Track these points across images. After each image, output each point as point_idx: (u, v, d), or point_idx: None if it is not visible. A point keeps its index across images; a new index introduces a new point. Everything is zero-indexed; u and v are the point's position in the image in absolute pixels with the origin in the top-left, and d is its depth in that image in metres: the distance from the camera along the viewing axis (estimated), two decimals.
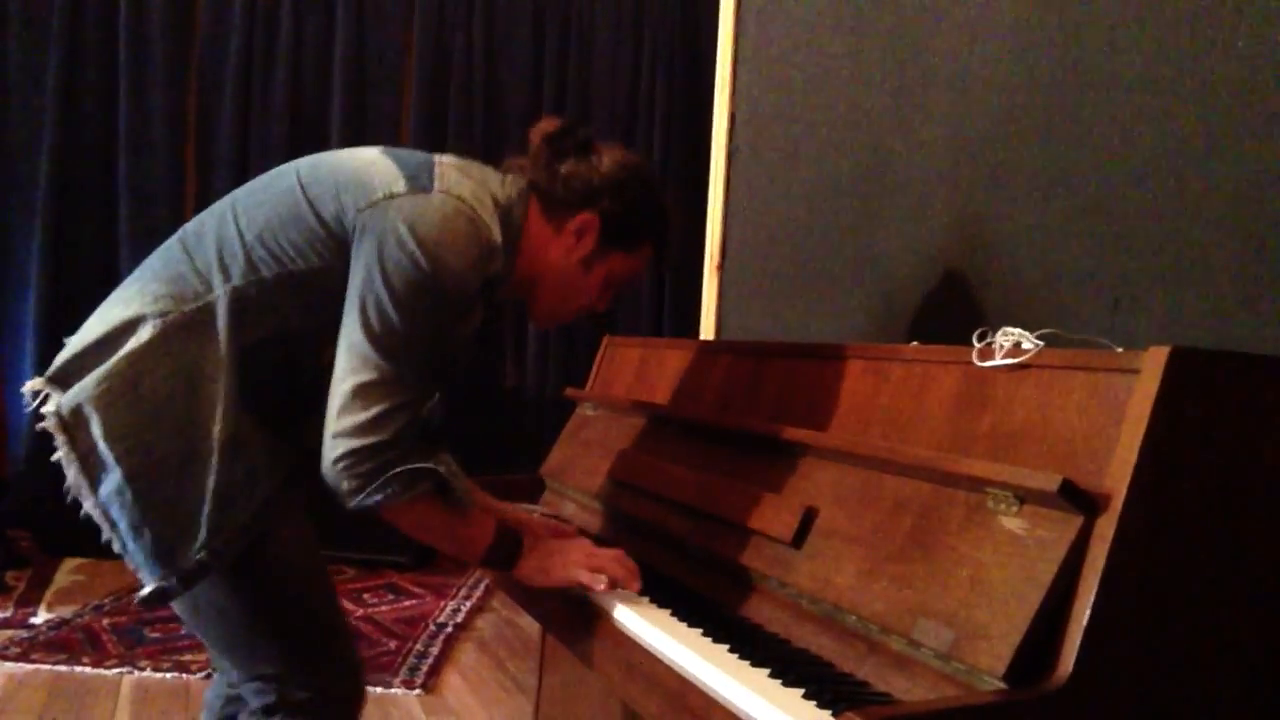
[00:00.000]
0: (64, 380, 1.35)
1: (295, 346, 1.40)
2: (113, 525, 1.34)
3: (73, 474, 1.34)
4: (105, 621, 3.34)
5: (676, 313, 5.02)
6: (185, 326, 1.34)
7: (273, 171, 1.48)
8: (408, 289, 1.31)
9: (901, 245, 2.00)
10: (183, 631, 3.23)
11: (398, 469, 1.32)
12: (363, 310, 1.32)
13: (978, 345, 1.24)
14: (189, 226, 1.46)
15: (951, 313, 1.85)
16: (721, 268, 2.66)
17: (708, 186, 2.74)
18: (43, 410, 1.36)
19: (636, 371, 2.14)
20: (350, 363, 1.32)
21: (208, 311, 1.35)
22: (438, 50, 4.76)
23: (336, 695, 1.48)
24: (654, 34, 5.08)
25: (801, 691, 1.07)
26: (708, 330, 2.69)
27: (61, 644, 3.10)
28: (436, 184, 1.37)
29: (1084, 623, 0.95)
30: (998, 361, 1.19)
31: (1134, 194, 1.51)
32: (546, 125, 1.56)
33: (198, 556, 1.32)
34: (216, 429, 1.33)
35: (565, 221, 1.51)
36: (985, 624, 1.01)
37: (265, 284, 1.36)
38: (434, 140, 4.72)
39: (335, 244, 1.36)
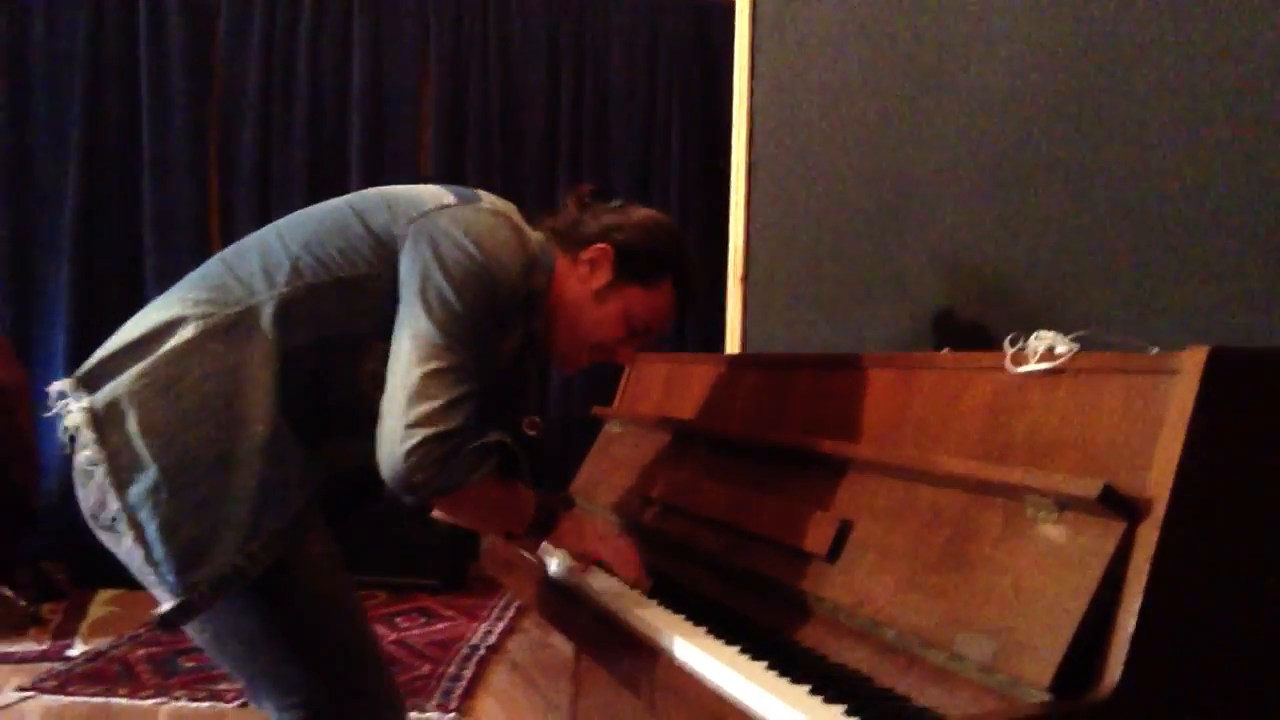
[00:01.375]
0: (94, 383, 1.33)
1: (334, 355, 1.39)
2: (140, 530, 1.28)
3: (100, 474, 1.29)
4: (141, 652, 3.35)
5: (701, 328, 5.01)
6: (228, 329, 1.34)
7: (317, 204, 1.52)
8: (466, 278, 1.35)
9: (926, 253, 1.99)
10: None
11: (466, 450, 1.34)
12: (424, 300, 1.34)
13: (1010, 350, 1.22)
14: (227, 250, 1.47)
15: (979, 319, 1.83)
16: (745, 281, 2.65)
17: (729, 202, 2.73)
18: (70, 408, 1.32)
19: (663, 388, 2.13)
20: (416, 353, 1.33)
21: (252, 315, 1.35)
22: (454, 75, 4.79)
23: (382, 709, 1.45)
24: (669, 53, 5.09)
25: (843, 708, 1.05)
26: (733, 344, 2.68)
27: (98, 676, 3.11)
28: (484, 200, 1.47)
29: (1129, 631, 0.93)
30: (1032, 367, 1.18)
31: (1161, 194, 1.49)
32: (583, 186, 1.64)
33: (233, 561, 1.28)
34: (258, 429, 1.31)
35: (581, 253, 1.55)
36: (1028, 635, 0.99)
37: (312, 289, 1.37)
38: (453, 163, 4.75)
39: (384, 252, 1.40)
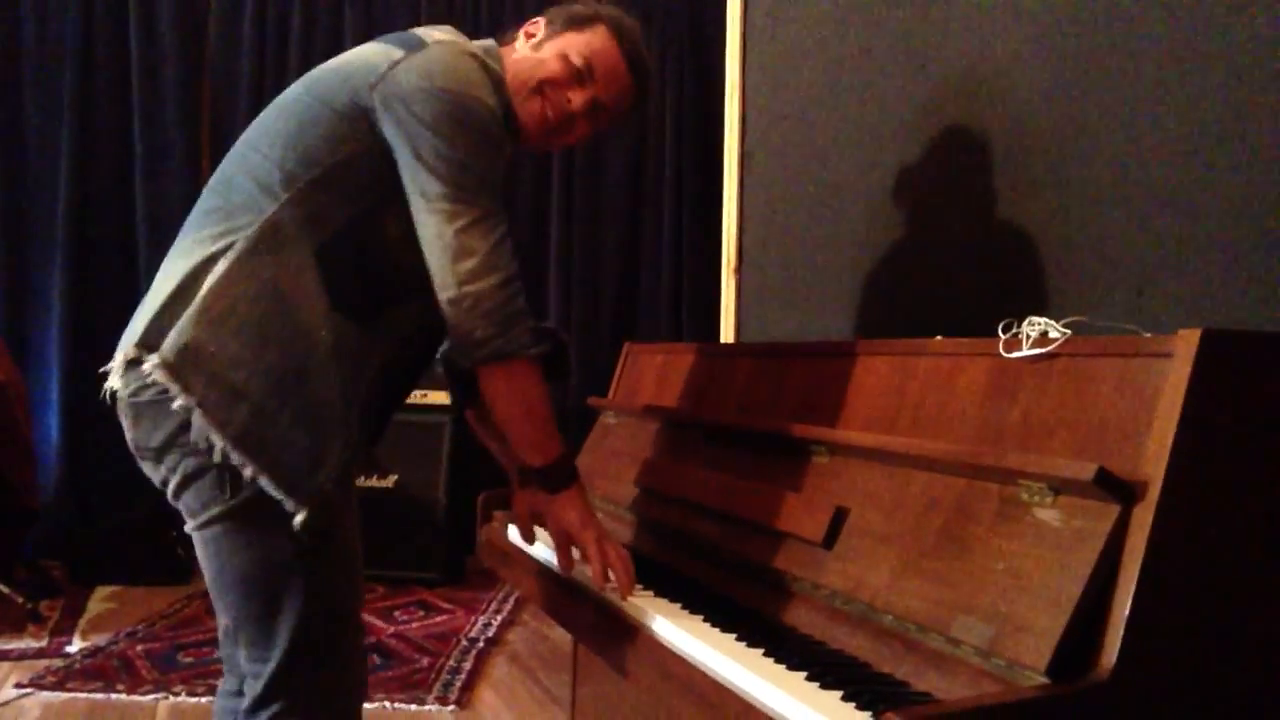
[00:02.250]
0: (153, 343, 1.33)
1: (360, 234, 1.41)
2: (255, 456, 1.32)
3: (196, 418, 1.31)
4: (139, 648, 3.35)
5: (696, 317, 5.01)
6: (255, 248, 1.36)
7: (273, 103, 1.51)
8: (452, 126, 1.36)
9: (920, 240, 1.99)
10: (216, 655, 3.24)
11: (528, 321, 1.39)
12: (424, 162, 1.36)
13: (1004, 336, 1.22)
14: (212, 181, 1.48)
15: (974, 305, 1.83)
16: (739, 270, 2.65)
17: (722, 190, 2.73)
18: (143, 368, 1.33)
19: (658, 378, 2.13)
20: (439, 215, 1.36)
21: (270, 228, 1.36)
22: None
23: (336, 691, 1.46)
24: (662, 40, 5.08)
25: (840, 693, 1.06)
26: (727, 334, 2.68)
27: (97, 672, 3.11)
28: (429, 40, 1.47)
29: (1125, 614, 0.93)
30: (1025, 352, 1.18)
31: (1154, 179, 1.49)
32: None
33: (344, 455, 1.36)
34: (322, 334, 1.36)
35: (518, 33, 1.62)
36: (1025, 618, 0.99)
37: (312, 184, 1.38)
38: None
39: (360, 126, 1.40)
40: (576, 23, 1.59)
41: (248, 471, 1.32)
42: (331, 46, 4.62)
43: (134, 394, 1.35)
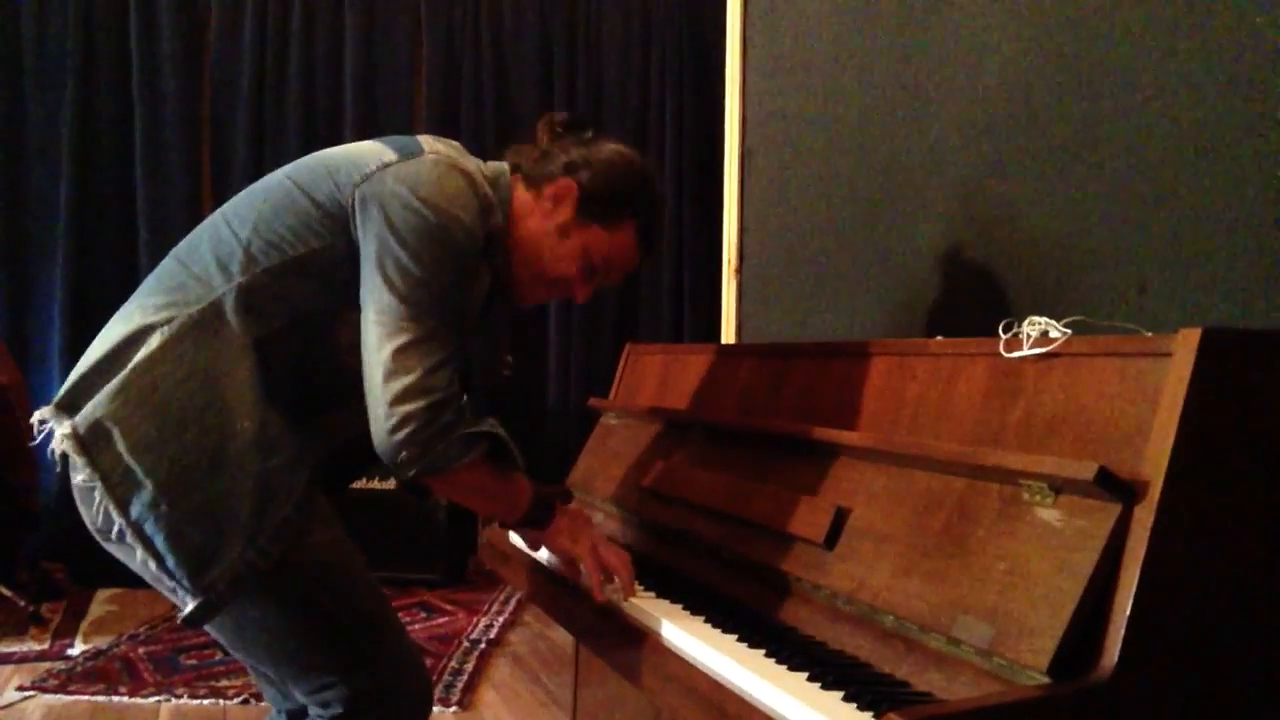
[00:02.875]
0: (72, 406, 1.32)
1: (308, 331, 1.38)
2: (148, 543, 1.29)
3: (99, 496, 1.29)
4: (141, 650, 3.35)
5: (697, 318, 5.01)
6: (194, 328, 1.33)
7: (258, 181, 1.49)
8: (421, 241, 1.32)
9: (920, 240, 1.99)
10: (218, 657, 3.24)
11: (455, 433, 1.33)
12: (383, 273, 1.32)
13: (1004, 336, 1.22)
14: (180, 245, 1.45)
15: (974, 305, 1.83)
16: (740, 271, 2.65)
17: (722, 190, 2.73)
18: (57, 434, 1.32)
19: (659, 378, 2.13)
20: (384, 327, 1.31)
21: (214, 310, 1.33)
22: (447, 68, 4.78)
23: (406, 692, 1.45)
24: (662, 41, 5.08)
25: (841, 694, 1.06)
26: (728, 334, 2.68)
27: (99, 674, 3.11)
28: (426, 149, 1.42)
29: (1126, 613, 0.93)
30: (1026, 351, 1.18)
31: (1154, 177, 1.49)
32: (554, 115, 1.59)
33: (245, 557, 1.29)
34: (245, 424, 1.31)
35: (544, 188, 1.51)
36: (1026, 618, 0.99)
37: (269, 273, 1.35)
38: None
39: (332, 222, 1.36)
40: (609, 217, 1.52)
41: (138, 554, 1.30)
42: (331, 49, 4.62)
43: (80, 483, 1.33)
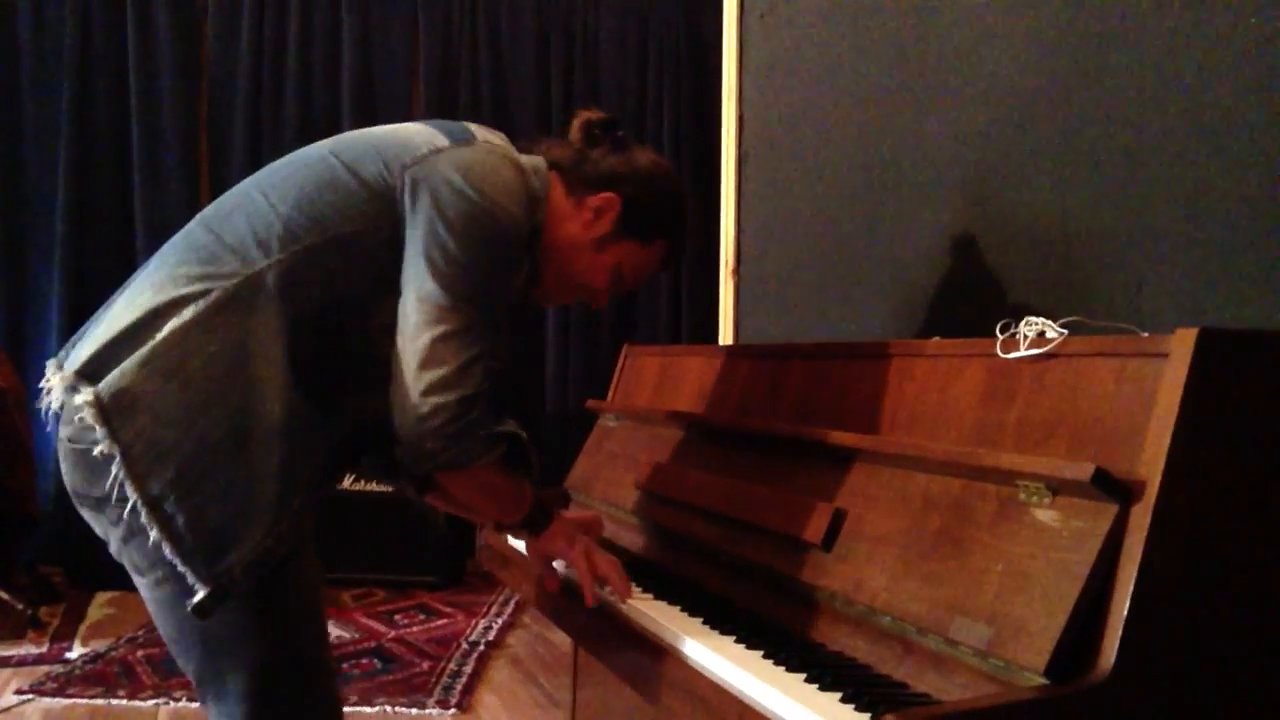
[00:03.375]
0: (95, 373, 1.24)
1: (344, 314, 1.34)
2: (166, 522, 1.22)
3: (115, 469, 1.22)
4: (139, 653, 3.35)
5: (694, 319, 5.01)
6: (228, 303, 1.27)
7: (293, 153, 1.44)
8: (469, 228, 1.30)
9: (917, 241, 1.99)
10: None
11: (482, 430, 1.32)
12: (429, 259, 1.30)
13: (1001, 337, 1.22)
14: (206, 212, 1.39)
15: (971, 306, 1.83)
16: (737, 272, 2.65)
17: (719, 192, 2.73)
18: (75, 400, 1.24)
19: (657, 380, 2.13)
20: (423, 315, 1.29)
21: (251, 285, 1.28)
22: (444, 72, 4.78)
23: None
24: (659, 43, 5.08)
25: (839, 695, 1.06)
26: (726, 335, 2.68)
27: (97, 677, 3.11)
28: (478, 137, 1.41)
29: (1124, 614, 0.93)
30: (1022, 352, 1.18)
31: (1152, 177, 1.49)
32: (590, 114, 1.57)
33: (265, 544, 1.24)
34: (274, 406, 1.26)
35: (587, 198, 1.50)
36: (1023, 619, 0.99)
37: (310, 251, 1.31)
38: None
39: (381, 204, 1.33)
40: (647, 235, 1.54)
41: (152, 534, 1.22)
42: (329, 52, 4.62)
43: (74, 439, 1.26)
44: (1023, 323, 1.20)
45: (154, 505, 1.22)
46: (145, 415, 1.23)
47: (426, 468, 1.34)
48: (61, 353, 1.34)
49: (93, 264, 4.33)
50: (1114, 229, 1.55)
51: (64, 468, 1.31)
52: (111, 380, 1.23)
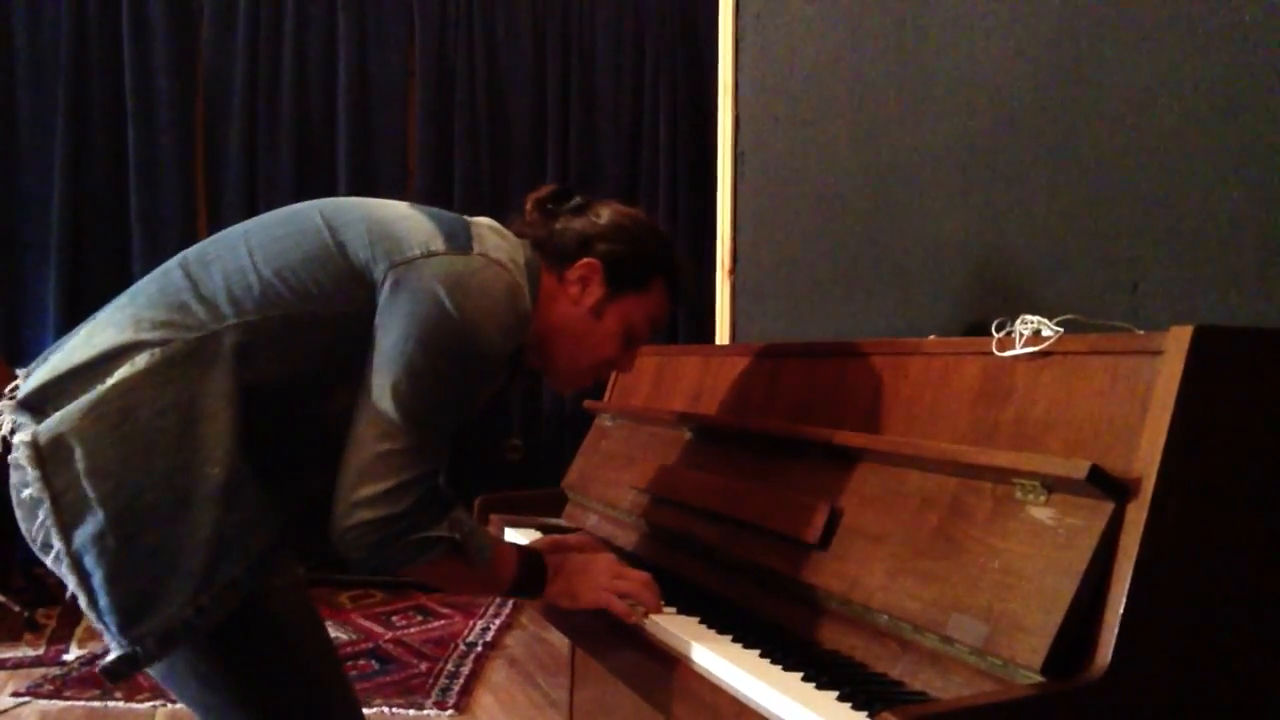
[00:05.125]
0: (39, 407, 1.21)
1: (302, 392, 1.30)
2: (84, 576, 1.17)
3: (43, 514, 1.18)
4: None
5: (691, 318, 5.01)
6: (186, 357, 1.22)
7: (287, 209, 1.39)
8: (443, 355, 1.26)
9: (913, 240, 1.99)
10: None
11: (408, 538, 1.27)
12: (393, 374, 1.25)
13: (997, 335, 1.22)
14: (190, 253, 1.35)
15: (967, 305, 1.83)
16: (733, 272, 2.65)
17: (716, 192, 2.73)
18: (13, 439, 1.21)
19: (654, 380, 2.13)
20: (375, 428, 1.25)
21: (213, 343, 1.23)
22: (440, 70, 4.78)
23: None
24: (655, 44, 5.08)
25: (836, 694, 1.06)
26: (722, 335, 2.68)
27: (94, 679, 3.10)
28: (475, 245, 1.33)
29: (1120, 611, 0.93)
30: (1018, 351, 1.18)
31: (1147, 177, 1.50)
32: (536, 193, 1.53)
33: (183, 615, 1.17)
34: (215, 471, 1.20)
35: (566, 272, 1.46)
36: (1020, 617, 0.99)
37: (281, 321, 1.26)
38: (440, 159, 4.74)
39: (363, 291, 1.28)
40: (639, 282, 1.49)
41: (70, 586, 1.18)
42: (325, 55, 4.62)
43: (13, 474, 1.21)
44: (1018, 321, 1.21)
45: (75, 558, 1.17)
46: (80, 464, 1.17)
47: (358, 568, 1.30)
48: (24, 373, 1.29)
49: (88, 264, 4.33)
50: (1110, 227, 1.55)
51: (17, 513, 1.25)
52: (51, 424, 1.19)
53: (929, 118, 1.95)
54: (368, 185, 4.58)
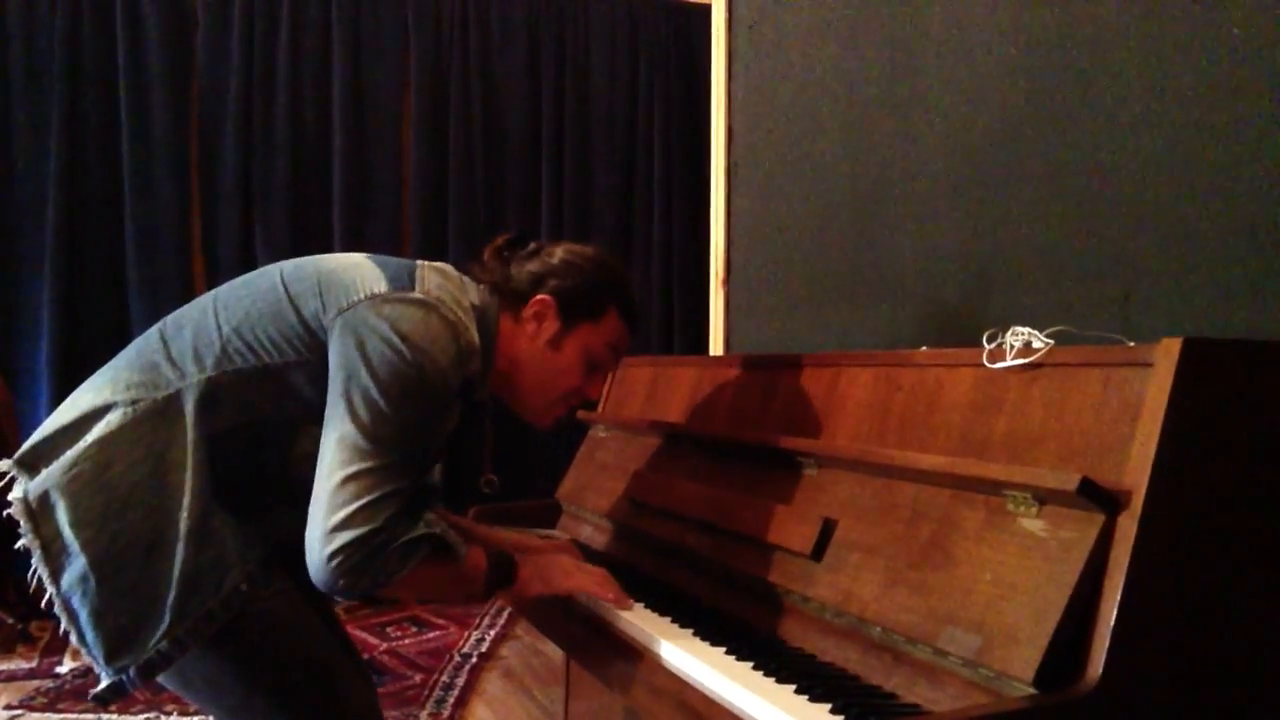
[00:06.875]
0: (33, 465, 1.35)
1: (264, 437, 1.39)
2: (73, 616, 1.32)
3: (35, 562, 1.33)
4: None
5: (685, 330, 5.02)
6: (155, 414, 1.35)
7: (256, 271, 1.50)
8: (393, 379, 1.31)
9: (906, 252, 1.99)
10: None
11: (391, 547, 1.31)
12: (349, 402, 1.31)
13: (988, 347, 1.22)
14: (169, 318, 1.47)
15: (960, 317, 1.84)
16: (727, 283, 2.66)
17: (709, 203, 2.74)
18: (10, 495, 1.35)
19: (648, 390, 2.13)
20: (339, 456, 1.30)
21: (177, 400, 1.35)
22: (435, 80, 4.79)
23: None
24: (649, 56, 5.09)
25: (829, 706, 1.06)
26: (716, 346, 2.69)
27: (87, 692, 3.09)
28: (417, 286, 1.41)
29: (1111, 622, 0.93)
30: (1009, 362, 1.18)
31: (1137, 189, 1.50)
32: (496, 241, 1.61)
33: (159, 645, 1.30)
34: (183, 516, 1.32)
35: (522, 310, 1.53)
36: (1012, 628, 1.00)
37: (239, 374, 1.36)
38: (435, 168, 4.74)
39: (313, 340, 1.37)
40: (589, 312, 1.55)
41: (62, 624, 1.33)
42: (319, 63, 4.62)
43: (21, 545, 1.36)
44: (1009, 333, 1.21)
45: (64, 599, 1.32)
46: (64, 516, 1.32)
47: (345, 598, 1.36)
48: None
49: (83, 275, 4.31)
50: (1100, 241, 1.56)
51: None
52: (39, 481, 1.34)
53: (921, 131, 1.96)
54: (362, 195, 4.58)
